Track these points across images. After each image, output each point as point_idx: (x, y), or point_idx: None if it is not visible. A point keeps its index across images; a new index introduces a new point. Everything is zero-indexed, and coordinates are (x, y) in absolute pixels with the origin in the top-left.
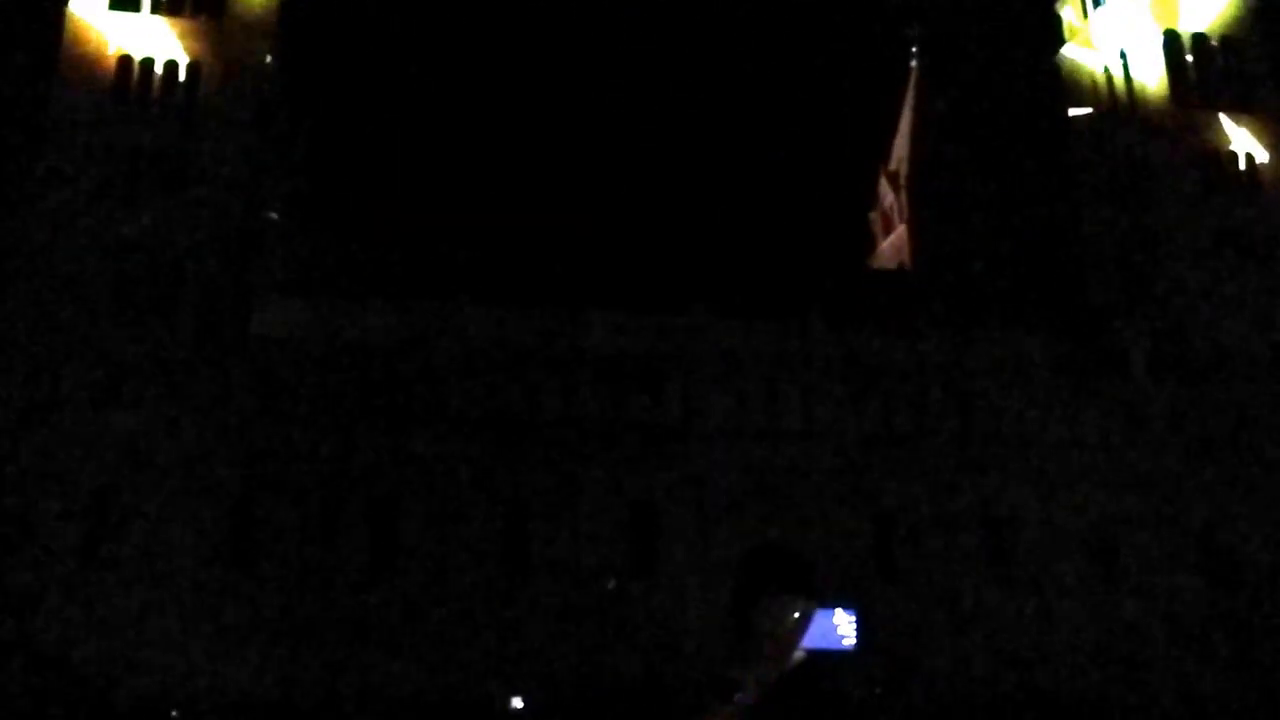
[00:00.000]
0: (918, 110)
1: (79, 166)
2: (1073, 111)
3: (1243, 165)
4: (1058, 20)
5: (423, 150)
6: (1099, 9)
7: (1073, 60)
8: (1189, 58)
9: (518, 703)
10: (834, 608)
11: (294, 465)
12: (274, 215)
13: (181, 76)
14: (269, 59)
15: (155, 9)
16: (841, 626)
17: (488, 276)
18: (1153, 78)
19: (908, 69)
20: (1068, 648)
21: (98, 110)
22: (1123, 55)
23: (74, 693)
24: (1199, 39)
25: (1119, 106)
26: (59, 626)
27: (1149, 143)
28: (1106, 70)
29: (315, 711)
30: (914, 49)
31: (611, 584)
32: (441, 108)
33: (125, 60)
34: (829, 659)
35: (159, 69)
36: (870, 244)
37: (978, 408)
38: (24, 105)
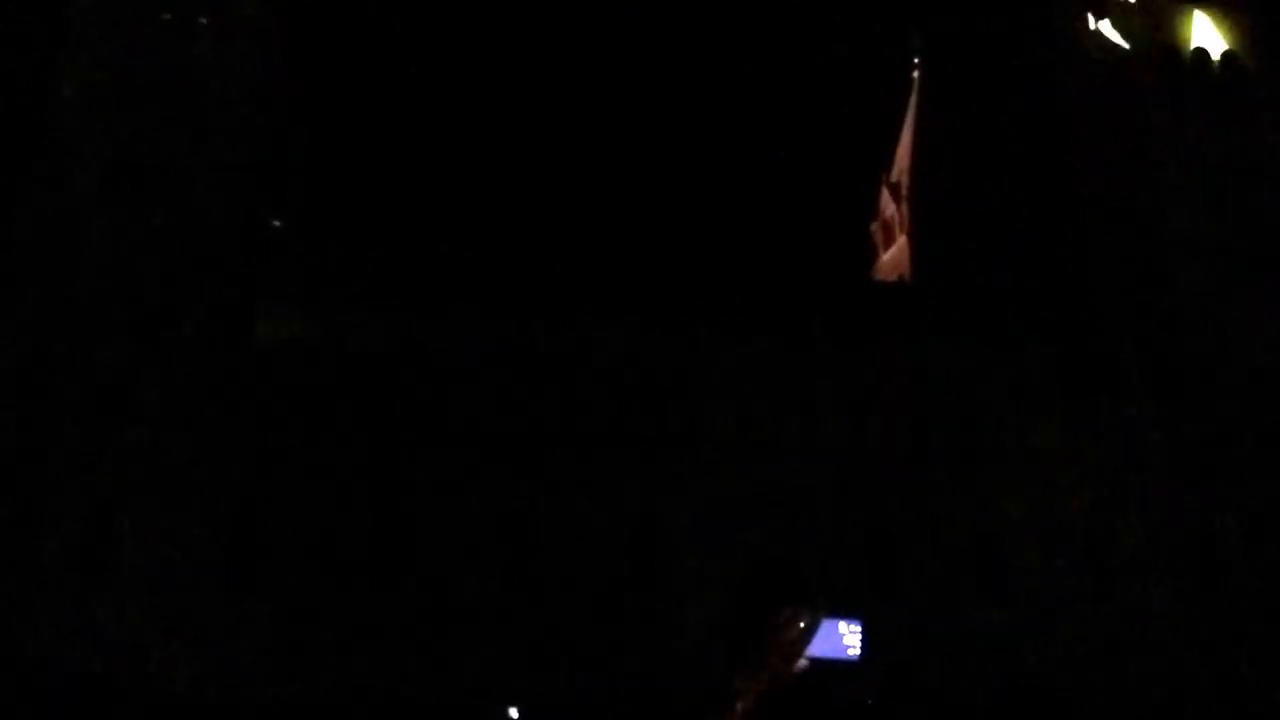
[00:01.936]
0: (920, 121)
1: (79, 171)
2: None
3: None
4: (1060, 30)
5: (428, 159)
6: (1103, 20)
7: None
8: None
9: (514, 713)
10: (838, 618)
11: (297, 473)
12: (278, 223)
13: (188, 80)
14: (274, 64)
15: (160, 9)
16: (846, 636)
17: (492, 287)
18: (1154, 87)
19: (909, 79)
20: (1065, 659)
21: (99, 114)
22: (1124, 65)
23: (75, 702)
24: (1200, 53)
25: (1120, 113)
26: (60, 636)
27: (1151, 149)
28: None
29: (317, 717)
30: (916, 59)
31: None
32: (447, 119)
33: (130, 63)
34: (833, 668)
35: (164, 72)
36: (871, 256)
37: (978, 421)
38: (23, 109)
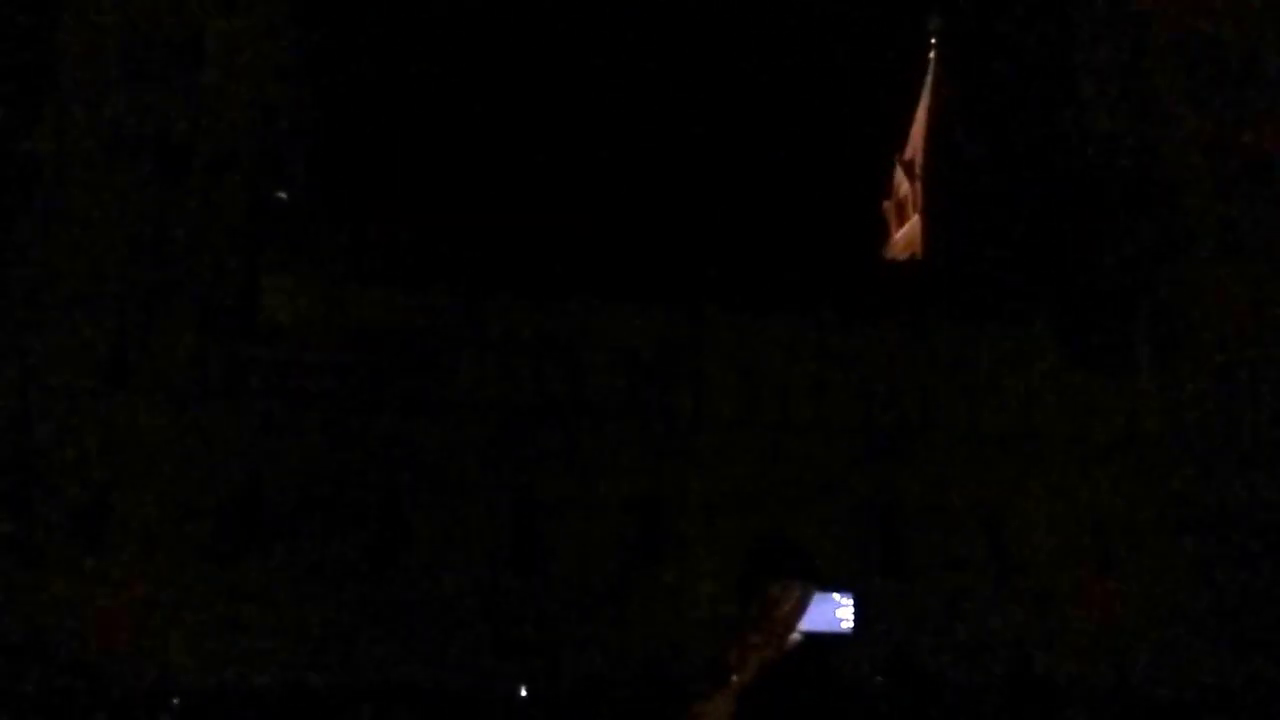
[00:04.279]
0: (935, 100)
1: (82, 143)
2: None
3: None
4: (1077, 15)
5: (436, 133)
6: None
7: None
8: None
9: (522, 691)
10: (833, 592)
11: (301, 451)
12: (282, 195)
13: (192, 52)
14: (280, 37)
15: None
16: (840, 610)
17: (500, 263)
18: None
19: (926, 58)
20: (1066, 638)
21: (102, 85)
22: (1138, 48)
23: (76, 684)
24: (1214, 31)
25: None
26: (60, 618)
27: (1165, 128)
28: (1124, 63)
29: (319, 700)
30: (934, 40)
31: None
32: (456, 92)
33: (131, 35)
34: (827, 642)
35: (167, 44)
36: (884, 233)
37: (988, 399)
38: (26, 79)
